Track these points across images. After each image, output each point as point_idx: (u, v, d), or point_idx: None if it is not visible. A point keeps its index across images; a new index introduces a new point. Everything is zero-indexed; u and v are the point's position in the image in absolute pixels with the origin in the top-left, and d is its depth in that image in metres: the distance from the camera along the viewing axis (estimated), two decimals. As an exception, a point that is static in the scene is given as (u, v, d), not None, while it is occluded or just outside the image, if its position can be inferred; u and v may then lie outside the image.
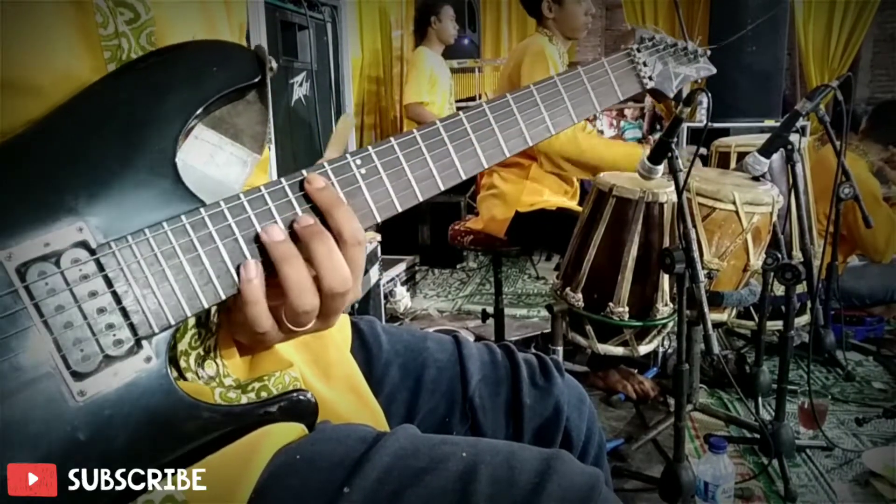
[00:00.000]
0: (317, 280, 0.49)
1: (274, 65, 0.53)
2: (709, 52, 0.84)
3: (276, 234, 0.49)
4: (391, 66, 4.66)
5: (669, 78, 0.79)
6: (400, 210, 0.56)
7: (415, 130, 0.57)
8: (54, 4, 0.49)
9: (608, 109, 6.08)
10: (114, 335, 0.44)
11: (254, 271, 0.48)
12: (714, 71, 0.85)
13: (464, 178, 0.59)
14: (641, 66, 0.75)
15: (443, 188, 0.58)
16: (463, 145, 0.59)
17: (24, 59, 0.46)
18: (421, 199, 0.57)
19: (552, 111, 0.65)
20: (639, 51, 0.75)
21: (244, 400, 0.53)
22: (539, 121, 0.64)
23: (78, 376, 0.43)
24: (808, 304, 2.03)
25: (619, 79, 0.72)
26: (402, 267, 3.31)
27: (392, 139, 0.55)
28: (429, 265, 3.92)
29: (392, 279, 3.14)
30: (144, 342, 0.45)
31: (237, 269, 0.48)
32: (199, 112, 0.50)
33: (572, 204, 2.23)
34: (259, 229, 0.49)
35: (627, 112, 6.54)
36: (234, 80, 0.51)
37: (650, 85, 0.76)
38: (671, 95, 0.79)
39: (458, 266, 3.96)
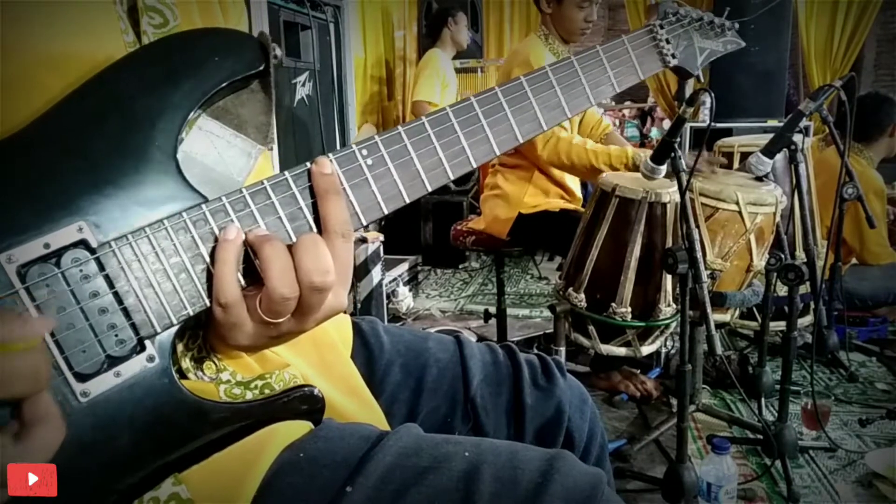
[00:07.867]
0: (297, 270, 0.47)
1: (278, 52, 0.51)
2: (737, 26, 0.80)
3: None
4: (394, 66, 4.66)
5: (694, 55, 0.75)
6: (408, 201, 0.54)
7: (423, 117, 0.55)
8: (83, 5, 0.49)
9: (611, 109, 6.07)
10: (116, 335, 0.44)
11: (233, 232, 0.47)
12: (743, 44, 0.81)
13: (474, 166, 0.57)
14: (664, 42, 0.71)
15: (452, 177, 0.56)
16: (474, 132, 0.56)
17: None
18: (430, 189, 0.55)
19: (568, 93, 0.62)
20: (661, 27, 0.72)
21: (249, 396, 0.53)
22: (554, 104, 0.61)
23: (81, 377, 0.43)
24: (812, 304, 2.03)
25: (639, 57, 0.69)
26: (404, 267, 3.31)
27: (399, 127, 0.53)
28: (431, 265, 3.91)
29: (394, 279, 3.14)
30: (147, 342, 0.45)
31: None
32: (200, 104, 0.48)
33: (576, 206, 2.23)
34: (262, 224, 0.48)
35: (626, 111, 6.52)
36: (237, 70, 0.49)
37: (673, 63, 0.73)
38: (696, 73, 0.76)
39: (460, 266, 3.96)
